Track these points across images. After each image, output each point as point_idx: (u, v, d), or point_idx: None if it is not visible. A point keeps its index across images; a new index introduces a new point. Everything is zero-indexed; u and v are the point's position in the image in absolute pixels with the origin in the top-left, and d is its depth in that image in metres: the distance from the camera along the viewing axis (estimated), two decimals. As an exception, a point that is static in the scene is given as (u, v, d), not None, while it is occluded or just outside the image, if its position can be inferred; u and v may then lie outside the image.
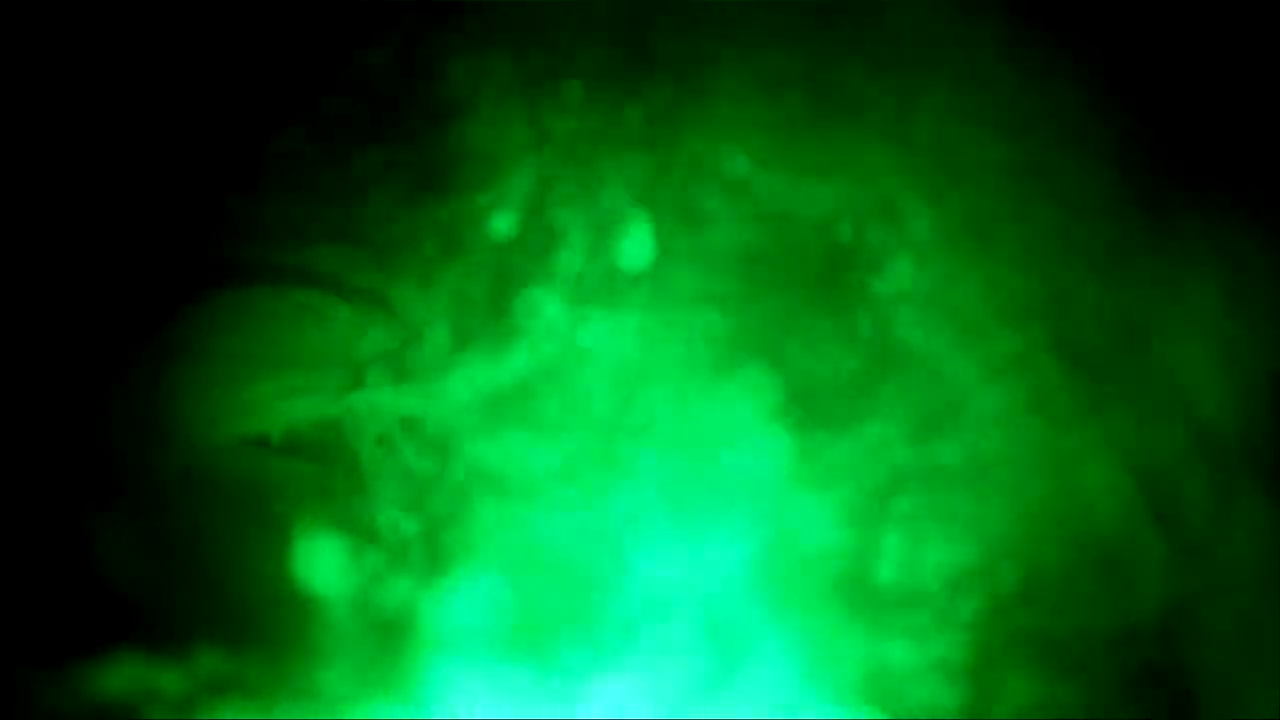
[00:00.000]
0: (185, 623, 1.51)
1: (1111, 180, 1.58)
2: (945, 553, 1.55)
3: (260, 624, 1.52)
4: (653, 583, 1.52)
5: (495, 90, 1.56)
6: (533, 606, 1.52)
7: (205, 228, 1.56)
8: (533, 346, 1.56)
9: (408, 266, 1.57)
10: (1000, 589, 1.55)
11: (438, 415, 1.57)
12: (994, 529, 1.55)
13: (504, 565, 1.53)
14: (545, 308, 1.55)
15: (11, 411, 1.53)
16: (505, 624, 1.51)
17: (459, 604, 1.52)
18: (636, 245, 1.55)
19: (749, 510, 1.54)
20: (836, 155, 1.58)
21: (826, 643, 1.53)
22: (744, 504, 1.54)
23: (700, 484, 1.54)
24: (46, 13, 1.54)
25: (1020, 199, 1.59)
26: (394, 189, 1.57)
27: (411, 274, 1.57)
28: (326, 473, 1.56)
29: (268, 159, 1.56)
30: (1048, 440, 1.57)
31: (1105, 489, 1.57)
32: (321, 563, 1.53)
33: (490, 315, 1.56)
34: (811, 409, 1.56)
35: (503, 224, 1.55)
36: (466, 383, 1.56)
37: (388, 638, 1.52)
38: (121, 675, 1.48)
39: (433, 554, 1.55)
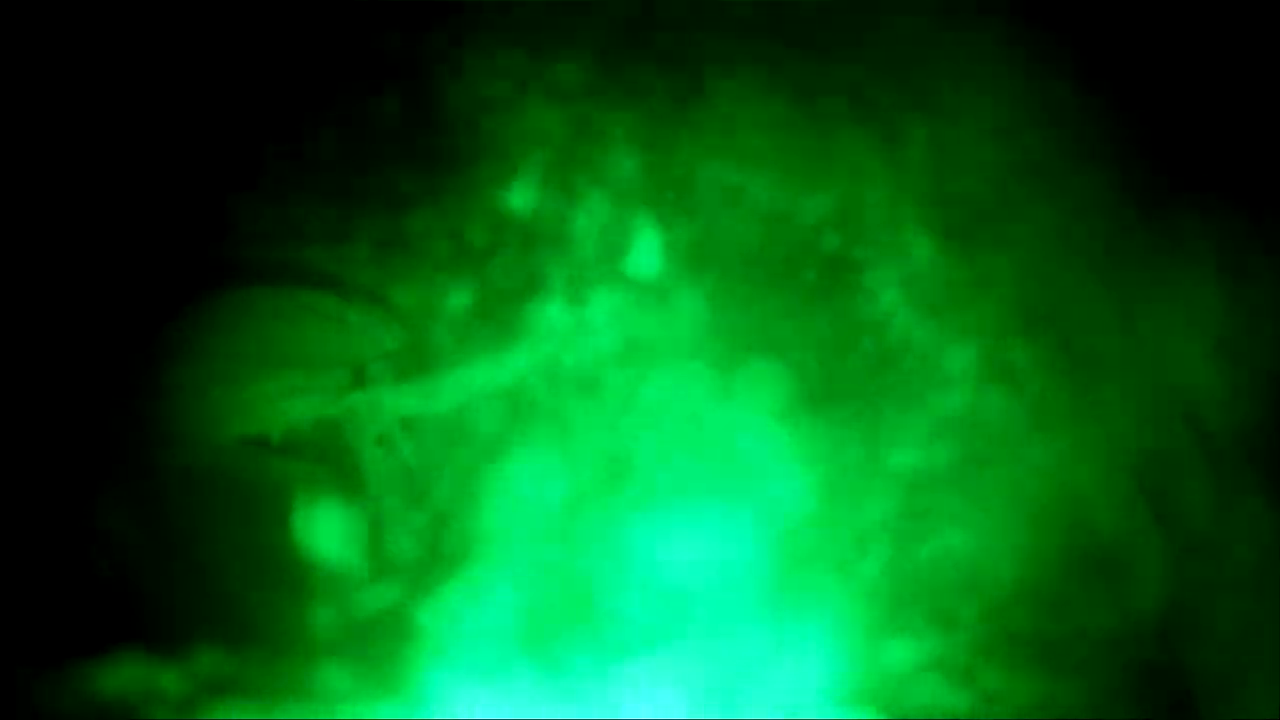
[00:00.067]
0: (185, 623, 1.51)
1: (1111, 180, 1.59)
2: (945, 553, 1.55)
3: (260, 624, 1.52)
4: (655, 582, 1.52)
5: (495, 90, 1.56)
6: (534, 606, 1.52)
7: (205, 228, 1.56)
8: (534, 346, 1.56)
9: (408, 266, 1.57)
10: (1000, 589, 1.55)
11: (438, 415, 1.57)
12: (993, 529, 1.55)
13: (505, 565, 1.53)
14: (546, 307, 1.55)
15: (11, 411, 1.53)
16: (506, 624, 1.51)
17: (460, 604, 1.52)
18: (638, 245, 1.55)
19: (749, 510, 1.54)
20: (836, 155, 1.58)
21: (827, 643, 1.53)
22: (744, 504, 1.54)
23: (701, 483, 1.54)
24: (46, 13, 1.54)
25: (1019, 199, 1.59)
26: (394, 189, 1.57)
27: (411, 274, 1.57)
28: (326, 473, 1.56)
29: (268, 159, 1.56)
30: (1047, 440, 1.57)
31: (1105, 489, 1.57)
32: (321, 562, 1.53)
33: (491, 315, 1.56)
34: (811, 409, 1.56)
35: (503, 224, 1.55)
36: (467, 383, 1.57)
37: (388, 638, 1.52)
38: (121, 675, 1.48)
39: (433, 554, 1.55)
